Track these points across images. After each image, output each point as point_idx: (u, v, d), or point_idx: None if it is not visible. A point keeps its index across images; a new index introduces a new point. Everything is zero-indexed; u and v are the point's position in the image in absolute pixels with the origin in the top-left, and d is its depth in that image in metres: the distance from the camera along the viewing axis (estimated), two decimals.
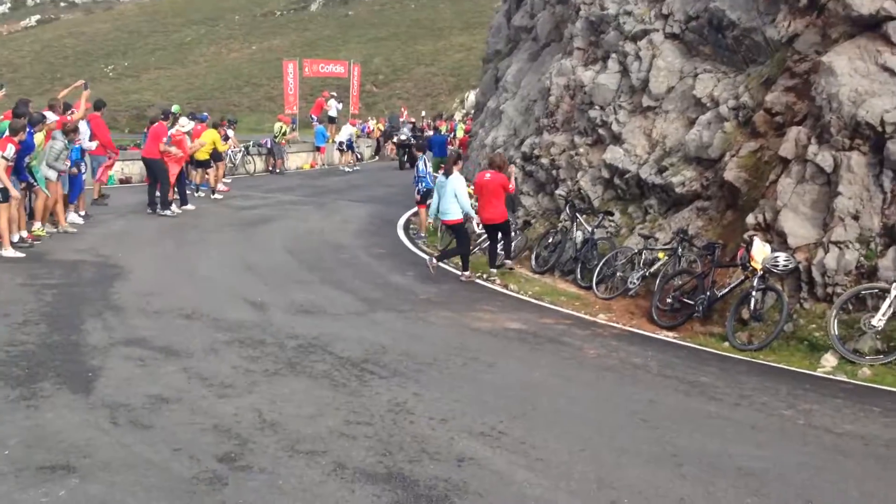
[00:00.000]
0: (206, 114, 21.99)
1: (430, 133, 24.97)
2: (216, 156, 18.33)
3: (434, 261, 11.90)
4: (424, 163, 16.05)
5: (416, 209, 16.38)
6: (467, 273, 11.85)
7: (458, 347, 7.86)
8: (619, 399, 6.66)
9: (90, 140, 14.32)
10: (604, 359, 7.93)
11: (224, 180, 21.17)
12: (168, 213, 15.24)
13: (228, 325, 7.97)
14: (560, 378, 7.18)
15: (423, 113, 34.17)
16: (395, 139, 31.46)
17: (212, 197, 18.34)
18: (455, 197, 11.76)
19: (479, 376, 7.01)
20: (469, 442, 5.37)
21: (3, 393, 5.69)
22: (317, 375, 6.62)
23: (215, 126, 19.61)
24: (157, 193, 15.55)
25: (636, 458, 5.30)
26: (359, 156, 31.71)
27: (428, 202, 16.06)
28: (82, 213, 14.19)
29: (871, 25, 9.87)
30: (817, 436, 5.89)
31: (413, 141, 25.72)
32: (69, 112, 13.52)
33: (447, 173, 12.07)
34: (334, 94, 33.08)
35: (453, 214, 11.87)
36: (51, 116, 12.66)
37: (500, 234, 12.22)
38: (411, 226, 16.60)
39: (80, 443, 4.90)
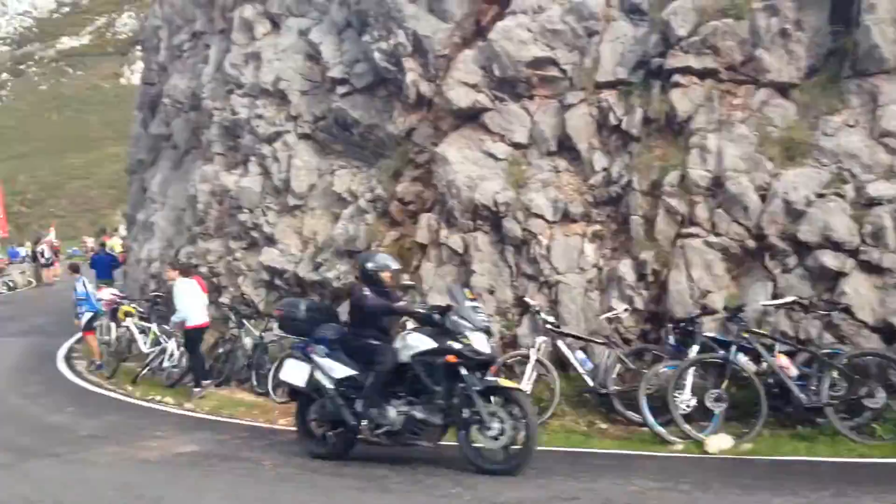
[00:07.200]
0: None
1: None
2: None
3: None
4: (84, 284, 14.97)
5: (80, 335, 15.04)
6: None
7: (120, 487, 7.28)
8: None
9: None
10: (280, 468, 7.79)
11: None
12: None
13: None
14: (232, 500, 6.97)
15: (51, 232, 32.79)
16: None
17: None
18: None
19: None
20: None
21: None
22: None
23: None
24: None
25: None
26: (11, 283, 29.60)
27: (95, 326, 14.77)
28: None
29: (471, 116, 11.16)
30: None
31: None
32: None
33: None
34: None
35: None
36: None
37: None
38: (74, 355, 15.28)
39: None
